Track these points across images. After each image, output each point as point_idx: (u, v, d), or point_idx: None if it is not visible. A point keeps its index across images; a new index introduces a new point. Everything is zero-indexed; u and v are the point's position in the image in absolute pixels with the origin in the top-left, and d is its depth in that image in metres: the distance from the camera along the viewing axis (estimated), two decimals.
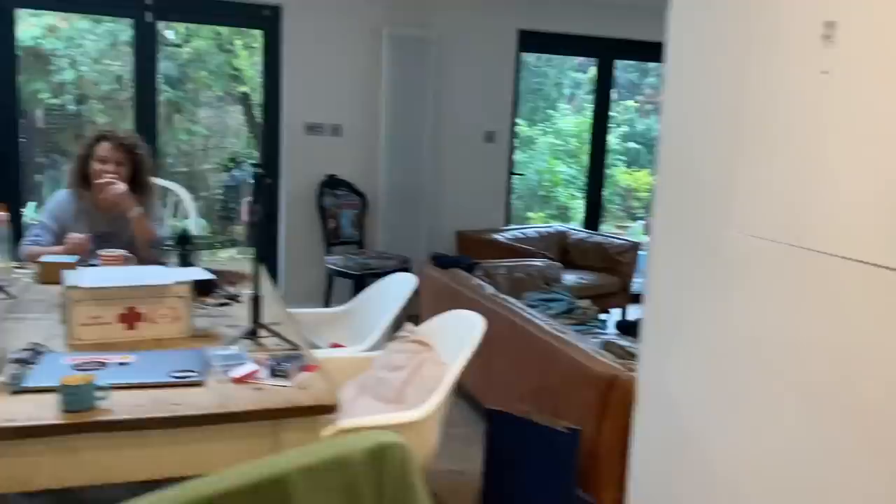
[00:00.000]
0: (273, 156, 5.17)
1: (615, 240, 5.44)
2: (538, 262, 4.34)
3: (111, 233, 3.02)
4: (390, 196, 5.28)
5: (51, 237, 2.98)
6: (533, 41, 5.58)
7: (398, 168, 5.26)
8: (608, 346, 2.83)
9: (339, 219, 5.17)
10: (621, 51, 5.89)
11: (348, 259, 4.88)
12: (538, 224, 6.52)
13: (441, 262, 4.09)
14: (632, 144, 9.12)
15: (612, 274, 5.15)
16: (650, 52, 2.80)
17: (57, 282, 2.23)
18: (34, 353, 1.86)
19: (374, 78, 5.19)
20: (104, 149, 2.99)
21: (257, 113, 6.51)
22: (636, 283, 5.14)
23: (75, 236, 2.86)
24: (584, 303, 3.94)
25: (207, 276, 2.46)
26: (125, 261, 2.69)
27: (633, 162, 9.11)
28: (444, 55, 5.27)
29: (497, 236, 5.33)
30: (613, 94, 6.45)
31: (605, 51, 5.88)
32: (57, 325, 2.14)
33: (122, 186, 2.96)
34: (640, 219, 8.45)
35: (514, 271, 4.22)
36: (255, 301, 2.08)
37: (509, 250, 5.12)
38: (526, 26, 5.51)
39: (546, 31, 5.58)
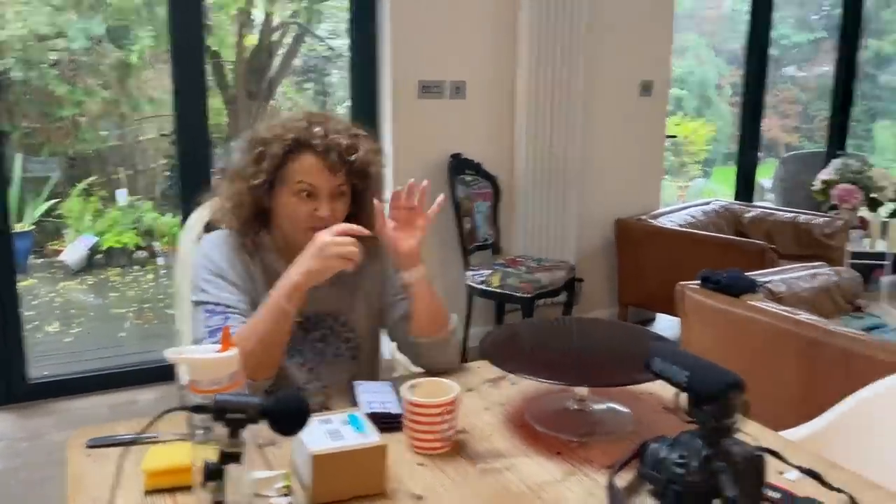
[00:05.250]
0: (370, 130, 3.61)
1: (807, 215, 4.24)
2: (824, 270, 3.09)
3: (331, 314, 1.57)
4: (531, 179, 3.85)
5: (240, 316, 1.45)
6: None
7: (541, 140, 3.82)
8: None
9: (473, 215, 3.71)
10: None
11: (503, 272, 3.45)
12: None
13: (717, 284, 2.75)
14: (674, 90, 7.97)
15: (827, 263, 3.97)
16: None
17: None
18: None
19: (507, 18, 3.70)
20: (314, 168, 1.47)
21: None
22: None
23: None
24: None
25: None
26: None
27: (674, 111, 7.99)
28: None
29: (662, 222, 4.03)
30: None
31: None
32: None
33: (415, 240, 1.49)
34: (698, 176, 7.37)
35: (799, 287, 2.95)
36: None
37: (685, 240, 3.85)
38: None
39: None
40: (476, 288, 3.52)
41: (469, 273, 3.57)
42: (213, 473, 0.78)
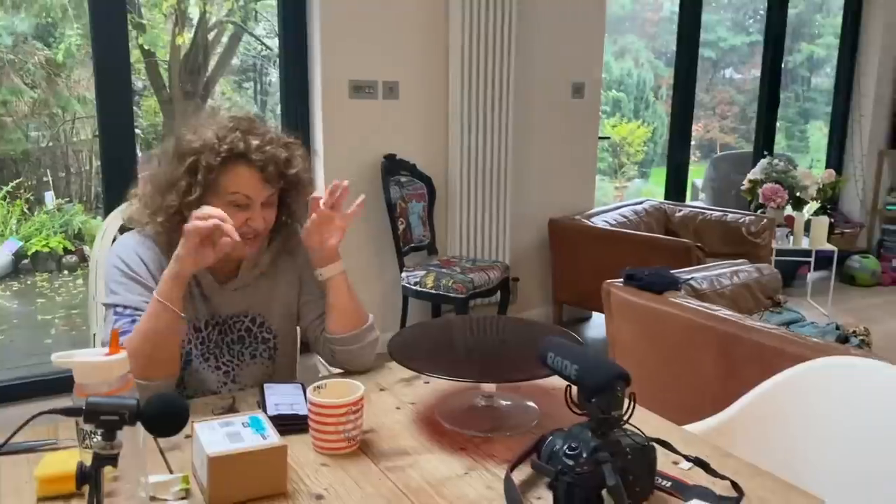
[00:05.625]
0: (301, 130, 3.59)
1: (736, 214, 4.36)
2: (746, 267, 3.18)
3: (247, 315, 1.58)
4: (466, 179, 3.87)
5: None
6: None
7: (474, 140, 3.85)
8: None
9: (407, 216, 3.71)
10: None
11: (437, 273, 3.47)
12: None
13: (640, 281, 2.82)
14: (612, 92, 8.11)
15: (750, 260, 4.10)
16: None
17: None
18: None
19: (438, 18, 3.72)
20: (250, 181, 1.46)
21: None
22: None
23: None
24: (855, 326, 2.85)
25: None
26: None
27: (612, 112, 8.12)
28: None
29: (595, 221, 4.11)
30: None
31: None
32: None
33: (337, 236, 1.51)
34: (636, 177, 7.51)
35: (721, 284, 3.04)
36: None
37: (617, 239, 3.93)
38: None
39: None
40: (410, 289, 3.53)
41: (404, 274, 3.57)
42: (86, 476, 0.76)
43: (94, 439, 0.95)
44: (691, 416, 1.55)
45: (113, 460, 0.78)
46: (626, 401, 1.02)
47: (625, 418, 1.02)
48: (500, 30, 3.78)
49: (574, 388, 1.04)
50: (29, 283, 5.65)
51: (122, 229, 2.03)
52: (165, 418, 0.82)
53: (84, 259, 5.90)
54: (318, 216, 1.47)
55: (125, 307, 1.42)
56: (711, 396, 2.40)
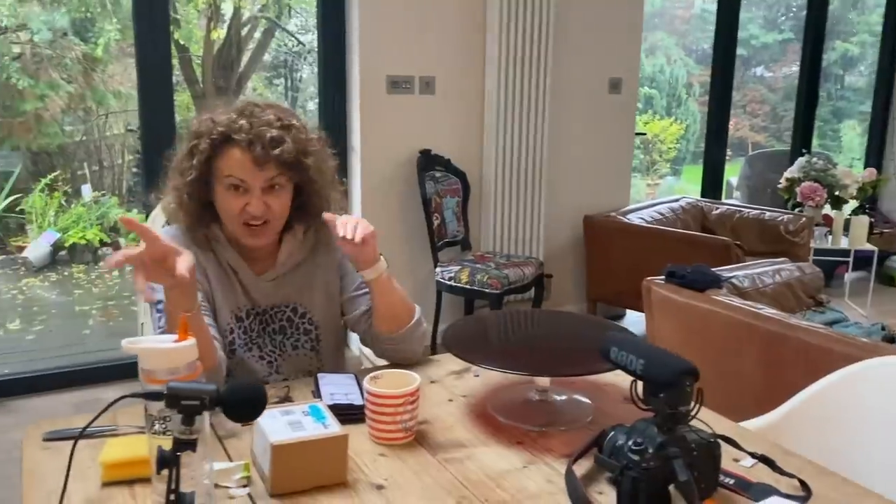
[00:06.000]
0: (339, 126, 3.60)
1: (773, 213, 4.31)
2: (788, 266, 3.14)
3: (288, 306, 1.57)
4: (501, 175, 3.86)
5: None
6: None
7: (510, 136, 3.83)
8: None
9: (442, 211, 3.71)
10: None
11: (472, 269, 3.46)
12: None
13: (682, 279, 2.79)
14: (644, 89, 8.03)
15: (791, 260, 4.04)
16: None
17: None
18: None
19: (476, 12, 3.72)
20: (240, 162, 1.42)
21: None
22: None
23: None
24: None
25: None
26: None
27: (644, 109, 8.06)
28: None
29: (631, 218, 4.07)
30: None
31: None
32: None
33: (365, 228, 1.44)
34: (668, 175, 7.43)
35: (763, 283, 3.00)
36: None
37: (655, 236, 3.89)
38: None
39: None
40: (445, 284, 3.53)
41: (438, 269, 3.57)
42: (167, 461, 0.77)
43: (162, 425, 0.96)
44: (733, 415, 1.52)
45: (192, 445, 0.79)
46: (693, 396, 1.01)
47: (692, 414, 1.00)
48: (537, 25, 3.76)
49: (639, 384, 1.03)
50: (66, 274, 5.74)
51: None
52: (245, 404, 0.82)
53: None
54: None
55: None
56: (754, 395, 2.37)
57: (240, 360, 1.53)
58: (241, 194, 1.43)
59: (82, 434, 0.86)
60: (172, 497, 0.77)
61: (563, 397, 1.39)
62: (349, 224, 1.39)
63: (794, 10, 9.29)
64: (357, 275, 1.54)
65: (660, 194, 7.17)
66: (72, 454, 0.88)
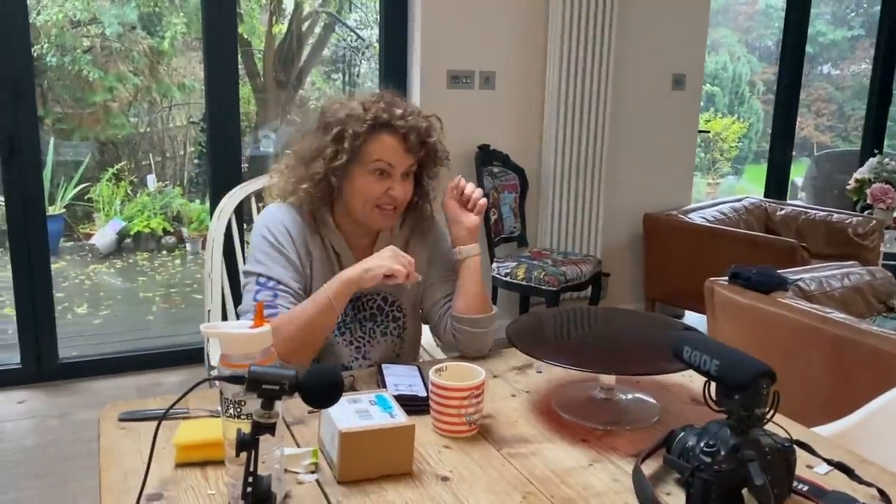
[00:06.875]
0: None
1: (841, 215, 4.17)
2: (857, 270, 3.04)
3: (380, 295, 1.61)
4: (559, 171, 3.83)
5: (289, 296, 1.48)
6: None
7: (569, 132, 3.80)
8: None
9: (499, 207, 3.70)
10: None
11: (529, 265, 3.45)
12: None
13: (746, 280, 2.72)
14: (705, 86, 7.87)
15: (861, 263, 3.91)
16: None
17: None
18: None
19: (537, 7, 3.69)
20: (394, 148, 1.49)
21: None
22: None
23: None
24: None
25: None
26: None
27: (706, 107, 7.89)
28: None
29: (693, 218, 3.99)
30: None
31: None
32: None
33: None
34: (729, 174, 7.26)
35: (830, 286, 2.91)
36: None
37: (717, 236, 3.81)
38: None
39: None
40: (501, 280, 3.52)
41: (494, 265, 3.56)
42: (246, 444, 0.79)
43: (237, 409, 0.98)
44: (798, 421, 1.48)
45: (271, 429, 0.80)
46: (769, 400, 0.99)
47: (767, 417, 0.98)
48: (600, 20, 3.72)
49: (713, 385, 1.01)
50: (131, 261, 5.92)
51: (237, 210, 2.11)
52: (323, 389, 0.83)
53: (182, 240, 6.14)
54: (454, 198, 1.57)
55: (269, 278, 1.46)
56: (822, 401, 2.31)
57: (329, 343, 1.56)
58: (385, 178, 1.49)
59: (165, 416, 0.89)
60: (250, 479, 0.79)
61: (629, 396, 1.37)
62: (477, 192, 1.57)
63: (865, 6, 8.98)
64: (443, 264, 1.61)
65: (720, 194, 7.01)
66: (155, 435, 0.91)
